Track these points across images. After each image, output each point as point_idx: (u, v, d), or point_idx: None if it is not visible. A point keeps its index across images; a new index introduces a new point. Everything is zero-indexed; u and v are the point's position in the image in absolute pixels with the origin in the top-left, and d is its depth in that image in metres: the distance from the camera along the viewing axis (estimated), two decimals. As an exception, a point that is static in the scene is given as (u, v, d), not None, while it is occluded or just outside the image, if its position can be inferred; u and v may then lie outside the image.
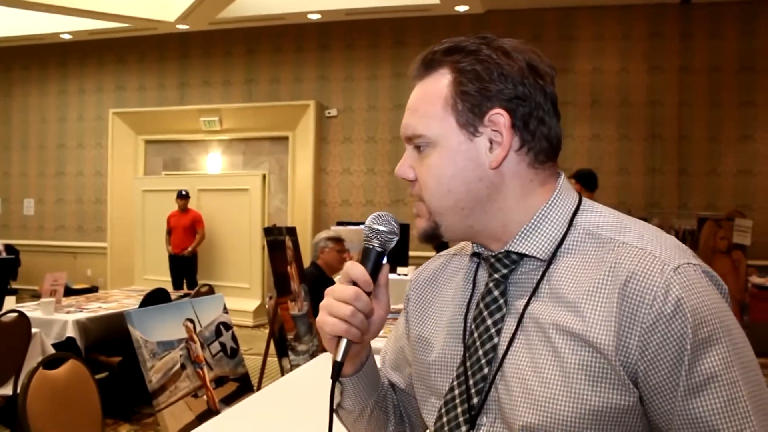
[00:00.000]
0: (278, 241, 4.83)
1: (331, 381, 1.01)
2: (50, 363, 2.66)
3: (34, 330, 4.30)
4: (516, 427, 0.90)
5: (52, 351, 4.33)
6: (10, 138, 11.69)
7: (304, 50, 10.13)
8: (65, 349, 4.46)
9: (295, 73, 10.18)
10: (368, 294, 0.98)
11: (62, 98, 11.40)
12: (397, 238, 1.02)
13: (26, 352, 4.19)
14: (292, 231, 5.10)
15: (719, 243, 7.43)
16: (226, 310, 4.05)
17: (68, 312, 5.11)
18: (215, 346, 3.82)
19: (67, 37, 10.84)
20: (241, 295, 8.93)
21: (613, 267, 0.88)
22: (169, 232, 8.96)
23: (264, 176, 9.49)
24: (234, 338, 3.98)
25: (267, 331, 5.96)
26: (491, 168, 0.94)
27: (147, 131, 10.86)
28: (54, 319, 4.88)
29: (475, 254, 1.04)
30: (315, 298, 4.80)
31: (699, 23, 8.76)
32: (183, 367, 3.49)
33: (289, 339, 4.57)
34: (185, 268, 8.88)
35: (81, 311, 5.18)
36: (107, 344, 5.00)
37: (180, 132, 10.63)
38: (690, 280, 0.84)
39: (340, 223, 8.37)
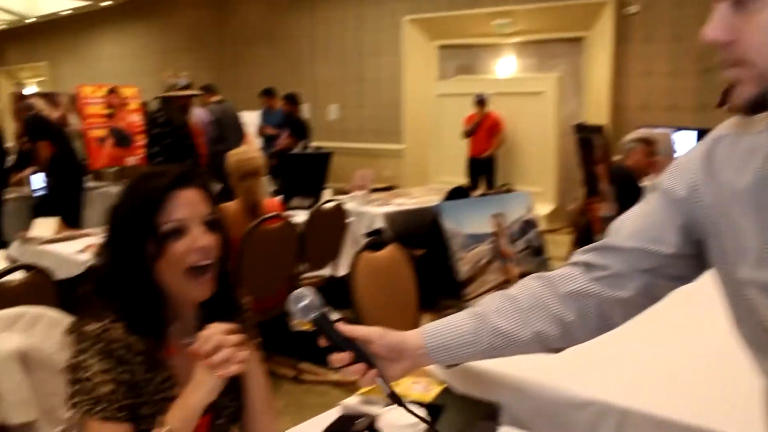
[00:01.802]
0: (588, 139, 4.60)
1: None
2: (372, 246, 2.80)
3: (348, 220, 4.61)
4: None
5: (364, 241, 4.62)
6: (315, 50, 12.58)
7: (605, -60, 9.35)
8: (375, 239, 4.74)
9: (593, -34, 9.48)
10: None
11: (359, 9, 11.91)
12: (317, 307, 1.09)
13: (343, 238, 4.52)
14: (600, 130, 4.83)
15: None
16: (530, 209, 3.98)
17: (377, 206, 5.40)
18: (520, 244, 3.78)
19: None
20: (534, 199, 8.78)
21: None
22: (472, 132, 8.99)
23: (558, 79, 9.11)
24: (539, 237, 3.90)
25: (560, 235, 5.81)
26: None
27: (440, 36, 10.95)
28: (365, 211, 5.19)
29: None
30: (621, 200, 4.53)
31: None
32: (490, 261, 3.50)
33: (596, 240, 4.38)
34: (484, 171, 8.93)
35: (388, 205, 5.44)
36: (409, 238, 5.21)
37: (472, 36, 10.56)
38: None
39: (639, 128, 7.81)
